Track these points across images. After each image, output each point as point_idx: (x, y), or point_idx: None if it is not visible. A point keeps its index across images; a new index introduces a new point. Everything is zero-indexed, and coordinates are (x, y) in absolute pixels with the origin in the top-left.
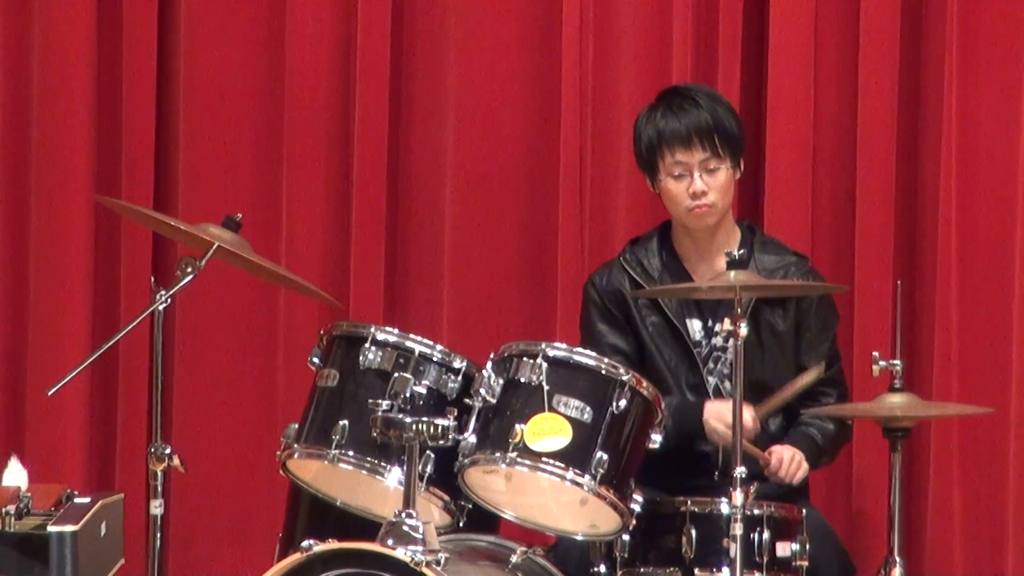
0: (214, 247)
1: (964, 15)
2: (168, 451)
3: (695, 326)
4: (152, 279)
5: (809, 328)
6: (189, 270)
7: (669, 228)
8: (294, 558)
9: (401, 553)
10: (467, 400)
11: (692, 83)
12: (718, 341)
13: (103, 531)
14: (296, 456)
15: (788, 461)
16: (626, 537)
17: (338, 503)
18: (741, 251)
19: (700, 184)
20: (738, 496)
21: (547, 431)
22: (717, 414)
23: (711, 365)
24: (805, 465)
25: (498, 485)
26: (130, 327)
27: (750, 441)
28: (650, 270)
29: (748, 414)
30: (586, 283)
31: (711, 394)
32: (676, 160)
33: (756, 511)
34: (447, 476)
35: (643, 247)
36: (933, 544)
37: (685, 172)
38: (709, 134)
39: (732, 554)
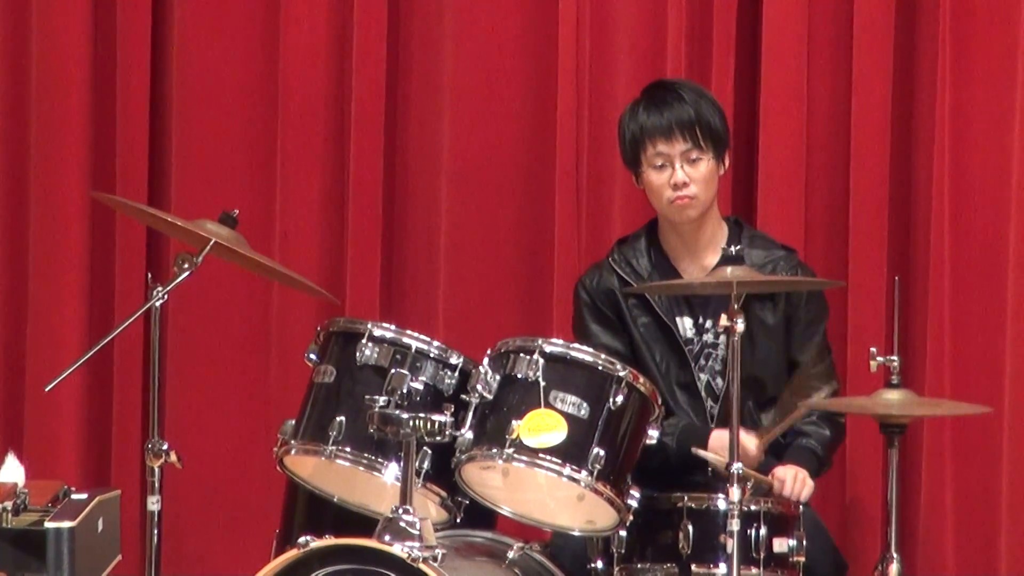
0: (211, 243)
1: (957, 10)
2: (165, 447)
3: (685, 324)
4: (148, 275)
5: (799, 321)
6: (186, 266)
7: (656, 226)
8: (291, 554)
9: (398, 549)
10: (464, 396)
11: (677, 78)
12: (709, 338)
13: (100, 527)
14: (293, 452)
15: (792, 480)
16: (623, 533)
17: (335, 499)
18: (738, 247)
19: (681, 175)
20: (735, 492)
21: (543, 427)
22: (721, 446)
23: (702, 362)
24: (810, 482)
25: (495, 481)
26: (127, 323)
27: (753, 467)
28: (639, 269)
29: (752, 443)
30: (576, 286)
31: (702, 391)
32: (658, 151)
33: (753, 507)
34: (444, 472)
35: (631, 246)
36: (926, 542)
37: (666, 163)
38: (691, 127)
39: (729, 550)
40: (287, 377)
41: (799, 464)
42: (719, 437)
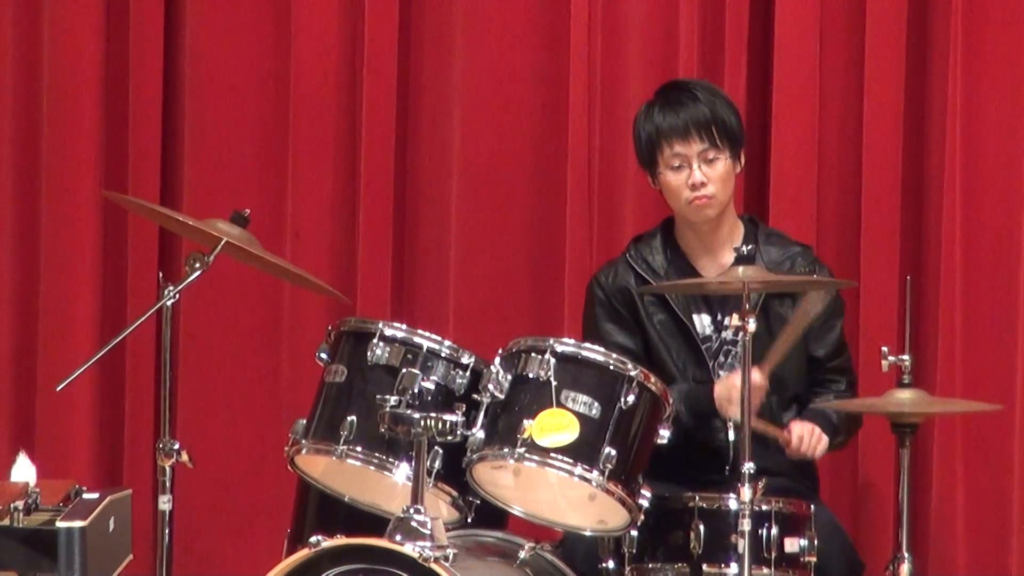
0: (222, 243)
1: (969, 9)
2: (176, 447)
3: (703, 321)
4: (160, 275)
5: (817, 317)
6: (197, 266)
7: (672, 224)
8: (302, 554)
9: (409, 549)
10: (475, 396)
11: (690, 78)
12: (727, 335)
13: (111, 527)
14: (304, 452)
15: (808, 435)
16: (634, 533)
17: (346, 499)
18: (750, 246)
19: (699, 175)
20: (746, 492)
21: (555, 426)
22: (727, 389)
23: (720, 359)
24: (825, 438)
25: (506, 481)
26: (138, 322)
27: (761, 400)
28: (656, 267)
29: (756, 373)
30: (590, 282)
31: None
32: (675, 152)
33: (764, 507)
34: (455, 472)
35: (647, 244)
36: (937, 542)
37: (684, 163)
38: (707, 126)
39: (740, 550)
40: (298, 376)
41: (814, 422)
42: (723, 386)
